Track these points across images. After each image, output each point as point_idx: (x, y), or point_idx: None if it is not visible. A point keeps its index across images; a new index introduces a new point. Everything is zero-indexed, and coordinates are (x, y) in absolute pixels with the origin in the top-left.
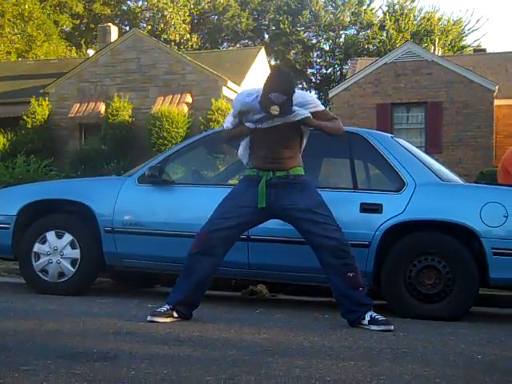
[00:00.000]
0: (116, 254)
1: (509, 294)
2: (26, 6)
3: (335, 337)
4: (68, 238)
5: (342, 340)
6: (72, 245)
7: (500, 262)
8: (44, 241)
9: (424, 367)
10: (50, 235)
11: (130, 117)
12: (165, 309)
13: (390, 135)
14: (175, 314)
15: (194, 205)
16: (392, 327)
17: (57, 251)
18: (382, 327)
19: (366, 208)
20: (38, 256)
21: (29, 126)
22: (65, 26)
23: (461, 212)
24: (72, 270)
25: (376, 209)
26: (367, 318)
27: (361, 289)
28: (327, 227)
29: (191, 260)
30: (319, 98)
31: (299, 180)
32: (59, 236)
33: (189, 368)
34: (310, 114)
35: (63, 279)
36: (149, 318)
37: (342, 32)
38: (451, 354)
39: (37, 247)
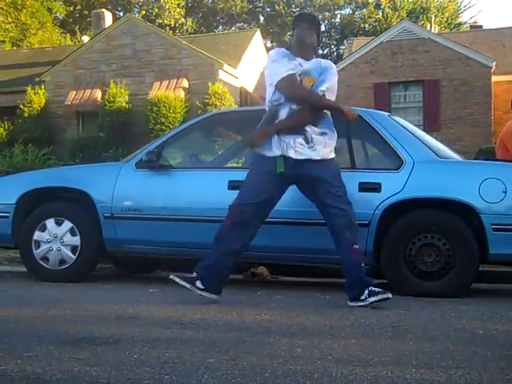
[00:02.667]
0: (116, 239)
1: (509, 269)
2: None
3: (336, 316)
4: (68, 225)
5: (343, 319)
6: (72, 232)
7: (500, 238)
8: (44, 228)
9: (425, 344)
10: (50, 223)
11: (126, 103)
12: (192, 275)
13: (387, 114)
14: (199, 285)
15: (192, 189)
16: (390, 295)
17: (57, 238)
18: (379, 296)
19: (365, 187)
20: (38, 244)
21: (26, 115)
22: (58, 14)
23: (459, 189)
24: (73, 256)
25: (375, 188)
26: (366, 292)
27: (363, 265)
28: (340, 199)
29: (223, 231)
30: None
31: None
32: (59, 223)
33: (191, 350)
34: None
35: (64, 266)
36: (171, 276)
37: (337, 12)
38: (452, 330)
39: (37, 235)
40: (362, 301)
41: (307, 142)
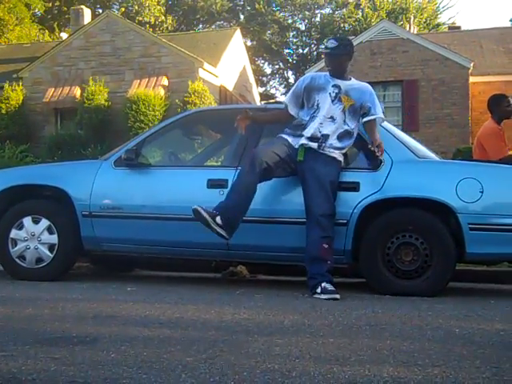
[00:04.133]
0: (94, 238)
1: (485, 268)
2: None
3: (315, 315)
4: (45, 223)
5: (321, 318)
6: (49, 230)
7: (476, 237)
8: (21, 227)
9: (402, 342)
10: (27, 221)
11: (106, 101)
12: (212, 210)
13: None
14: (219, 221)
15: (171, 187)
16: (338, 296)
17: (34, 237)
18: (327, 295)
19: (343, 187)
20: (15, 242)
21: (3, 111)
22: (37, 10)
23: (437, 188)
24: (50, 255)
25: (353, 187)
26: (320, 288)
27: (329, 262)
28: (321, 196)
29: (238, 177)
30: (296, 78)
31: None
32: (36, 221)
33: (169, 349)
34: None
35: (41, 265)
36: (193, 207)
37: (317, 11)
38: (429, 329)
39: (13, 233)
40: (316, 293)
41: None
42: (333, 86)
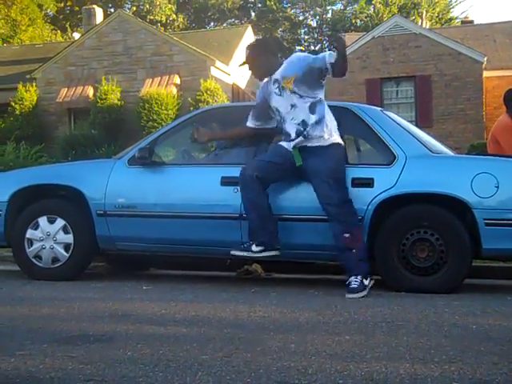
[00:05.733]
0: (109, 237)
1: (502, 264)
2: None
3: (330, 312)
4: (60, 222)
5: (337, 315)
6: (65, 230)
7: (492, 233)
8: (36, 226)
9: (419, 339)
10: (42, 221)
11: (118, 100)
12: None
13: (379, 108)
14: (255, 248)
15: (184, 185)
16: (360, 294)
17: (50, 236)
18: (350, 295)
19: (358, 183)
20: (30, 242)
21: (17, 112)
22: (49, 10)
23: (452, 184)
24: (66, 254)
25: (367, 183)
26: (357, 280)
27: (354, 250)
28: (323, 188)
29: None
30: None
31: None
32: (51, 221)
33: (185, 347)
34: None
35: (57, 264)
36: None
37: (328, 8)
38: (446, 325)
39: (29, 233)
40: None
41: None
42: (273, 84)
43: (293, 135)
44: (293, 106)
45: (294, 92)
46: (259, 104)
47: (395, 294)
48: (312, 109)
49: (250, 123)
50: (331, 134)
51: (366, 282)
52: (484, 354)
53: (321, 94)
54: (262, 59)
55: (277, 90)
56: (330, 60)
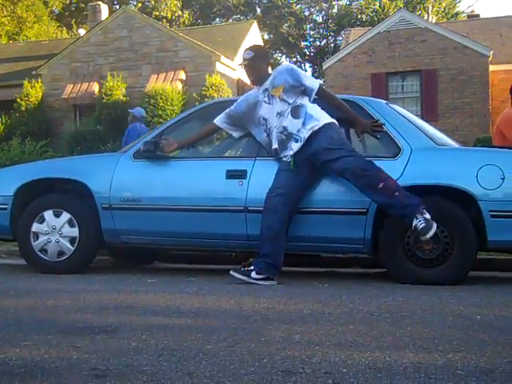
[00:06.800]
0: (114, 230)
1: (507, 257)
2: None
3: (334, 303)
4: (66, 216)
5: (341, 306)
6: (70, 223)
7: (498, 225)
8: (42, 220)
9: (423, 329)
10: (48, 214)
11: (124, 96)
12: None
13: (384, 101)
14: (254, 275)
15: (189, 178)
16: (433, 230)
17: (55, 230)
18: (427, 235)
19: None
20: (36, 236)
21: (23, 108)
22: (54, 7)
23: (457, 176)
24: (71, 248)
25: None
26: (419, 218)
27: (397, 193)
28: (340, 160)
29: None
30: (314, 70)
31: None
32: (57, 215)
33: (189, 338)
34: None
35: (63, 258)
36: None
37: (334, 3)
38: (450, 316)
39: (35, 227)
40: (417, 226)
41: (297, 141)
42: (262, 93)
43: (274, 145)
44: (279, 113)
45: (282, 99)
46: (240, 110)
47: (400, 286)
48: (294, 113)
49: (219, 122)
50: (319, 119)
51: (427, 216)
52: (488, 343)
53: (302, 101)
54: (264, 66)
55: (266, 99)
56: (316, 89)
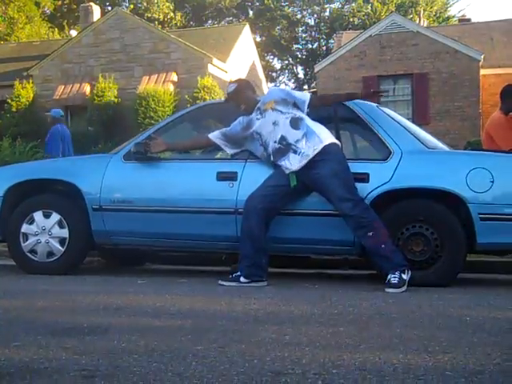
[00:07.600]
0: (104, 231)
1: (496, 259)
2: None
3: (325, 305)
4: (56, 217)
5: (331, 308)
6: (60, 224)
7: (487, 227)
8: (32, 221)
9: (413, 330)
10: (38, 215)
11: (115, 97)
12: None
13: (375, 104)
14: (243, 279)
15: (180, 180)
16: (402, 289)
17: (45, 231)
18: (391, 290)
19: (353, 177)
20: (26, 236)
21: (13, 109)
22: (46, 8)
23: (447, 179)
24: (61, 249)
25: (363, 178)
26: (396, 275)
27: (383, 246)
28: (337, 196)
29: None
30: (305, 73)
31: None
32: (47, 216)
33: (179, 339)
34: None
35: (52, 259)
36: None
37: (326, 6)
38: (440, 318)
39: (25, 228)
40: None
41: (296, 153)
42: (255, 113)
43: (271, 154)
44: (274, 123)
45: (275, 109)
46: (236, 131)
47: None
48: (294, 124)
49: (214, 136)
50: (322, 140)
51: (405, 276)
52: (477, 344)
53: (300, 113)
54: (250, 93)
55: (259, 116)
56: (307, 99)
